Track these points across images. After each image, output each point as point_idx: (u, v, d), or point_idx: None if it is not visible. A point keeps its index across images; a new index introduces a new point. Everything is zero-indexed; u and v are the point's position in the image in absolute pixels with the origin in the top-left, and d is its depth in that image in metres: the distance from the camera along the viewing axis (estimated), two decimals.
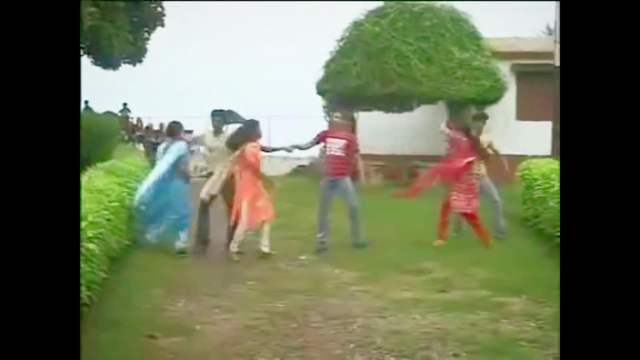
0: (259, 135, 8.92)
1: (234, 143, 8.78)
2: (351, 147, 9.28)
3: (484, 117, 10.51)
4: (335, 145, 9.19)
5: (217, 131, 9.33)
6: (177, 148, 8.94)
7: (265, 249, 8.62)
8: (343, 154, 9.18)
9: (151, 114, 28.51)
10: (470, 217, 9.20)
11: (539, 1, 27.65)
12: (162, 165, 8.87)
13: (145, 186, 8.80)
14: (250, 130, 8.88)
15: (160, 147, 9.42)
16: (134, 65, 24.48)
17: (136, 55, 24.12)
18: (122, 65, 24.09)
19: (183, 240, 8.83)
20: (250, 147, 8.66)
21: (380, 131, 19.61)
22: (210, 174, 9.21)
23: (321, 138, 9.41)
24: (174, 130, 9.28)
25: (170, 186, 8.84)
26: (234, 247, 8.52)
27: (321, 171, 9.40)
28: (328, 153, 9.29)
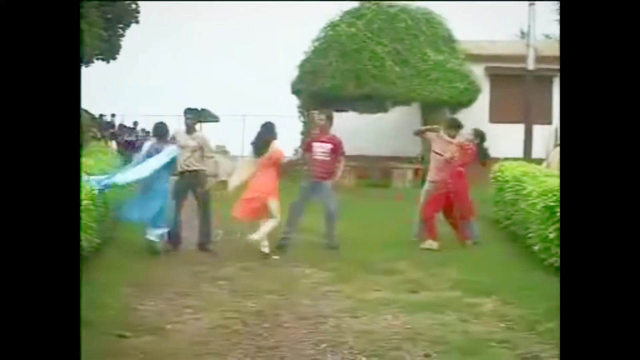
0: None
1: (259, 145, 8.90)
2: (337, 151, 9.30)
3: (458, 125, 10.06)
4: (320, 150, 9.23)
5: (190, 130, 9.28)
6: (172, 150, 8.95)
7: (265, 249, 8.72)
8: (328, 158, 9.22)
9: (124, 111, 28.37)
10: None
11: (514, 2, 27.88)
12: (153, 164, 8.78)
13: (129, 178, 8.75)
14: (268, 132, 8.99)
15: (146, 146, 9.32)
16: (107, 62, 24.26)
17: (109, 52, 23.89)
18: (95, 62, 23.86)
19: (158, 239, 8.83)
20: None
21: (354, 132, 19.64)
22: (179, 174, 9.18)
23: (308, 146, 9.50)
24: (162, 131, 9.25)
25: (159, 187, 8.83)
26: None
27: (303, 172, 9.47)
28: (313, 157, 9.28)
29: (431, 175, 9.91)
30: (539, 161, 12.66)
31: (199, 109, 9.49)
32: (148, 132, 27.70)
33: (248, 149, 9.60)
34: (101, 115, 26.84)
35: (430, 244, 8.98)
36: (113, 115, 27.40)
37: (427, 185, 9.94)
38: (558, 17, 30.14)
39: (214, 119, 25.57)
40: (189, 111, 9.34)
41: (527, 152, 17.25)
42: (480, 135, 9.95)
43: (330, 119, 9.55)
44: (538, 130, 18.27)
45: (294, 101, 20.03)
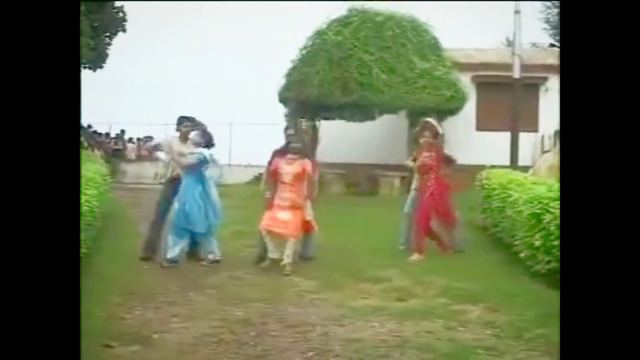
0: None
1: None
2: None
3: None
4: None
5: (185, 138, 9.21)
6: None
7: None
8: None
9: (111, 120, 28.33)
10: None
11: (500, 10, 28.11)
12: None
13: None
14: None
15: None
16: (94, 70, 24.15)
17: (96, 60, 23.78)
18: (82, 70, 23.75)
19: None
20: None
21: (341, 139, 19.69)
22: (172, 179, 9.13)
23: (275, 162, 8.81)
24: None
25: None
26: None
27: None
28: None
29: (414, 183, 9.96)
30: (525, 168, 12.72)
31: (193, 117, 9.35)
32: (134, 142, 27.73)
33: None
34: (89, 126, 26.75)
35: (418, 257, 8.96)
36: (90, 126, 27.27)
37: (411, 193, 9.96)
38: (544, 25, 30.43)
39: (200, 126, 25.57)
40: (185, 119, 9.23)
41: (514, 160, 17.35)
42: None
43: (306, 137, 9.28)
44: (524, 137, 18.37)
45: (281, 109, 20.02)
